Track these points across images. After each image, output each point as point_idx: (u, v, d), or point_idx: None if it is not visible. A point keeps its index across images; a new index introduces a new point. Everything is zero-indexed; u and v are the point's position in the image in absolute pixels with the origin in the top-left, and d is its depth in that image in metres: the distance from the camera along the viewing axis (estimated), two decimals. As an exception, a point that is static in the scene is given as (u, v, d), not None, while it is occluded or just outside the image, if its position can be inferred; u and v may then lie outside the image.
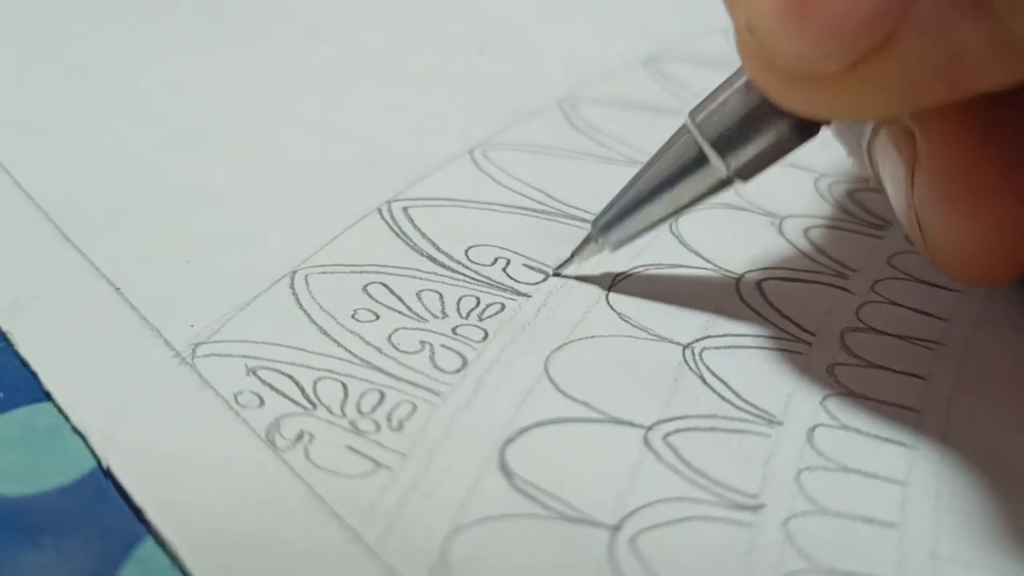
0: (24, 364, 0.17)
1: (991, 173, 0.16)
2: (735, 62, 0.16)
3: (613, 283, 0.19)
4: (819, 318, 0.19)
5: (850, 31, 0.14)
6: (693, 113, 0.17)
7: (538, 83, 0.26)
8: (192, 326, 0.17)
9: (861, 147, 0.19)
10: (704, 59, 0.28)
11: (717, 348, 0.18)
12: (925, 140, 0.16)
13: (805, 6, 0.14)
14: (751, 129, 0.17)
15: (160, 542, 0.14)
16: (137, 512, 0.14)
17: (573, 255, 0.19)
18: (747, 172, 0.17)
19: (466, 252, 0.20)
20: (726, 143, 0.17)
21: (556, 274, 0.19)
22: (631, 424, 0.16)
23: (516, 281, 0.19)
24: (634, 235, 0.19)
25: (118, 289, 0.18)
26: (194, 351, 0.17)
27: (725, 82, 0.17)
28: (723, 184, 0.18)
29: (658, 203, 0.18)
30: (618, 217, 0.18)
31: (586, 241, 0.19)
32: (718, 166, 0.17)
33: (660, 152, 0.18)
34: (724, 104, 0.17)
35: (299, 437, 0.16)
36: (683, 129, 0.18)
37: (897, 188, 0.17)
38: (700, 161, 0.17)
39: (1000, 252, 0.17)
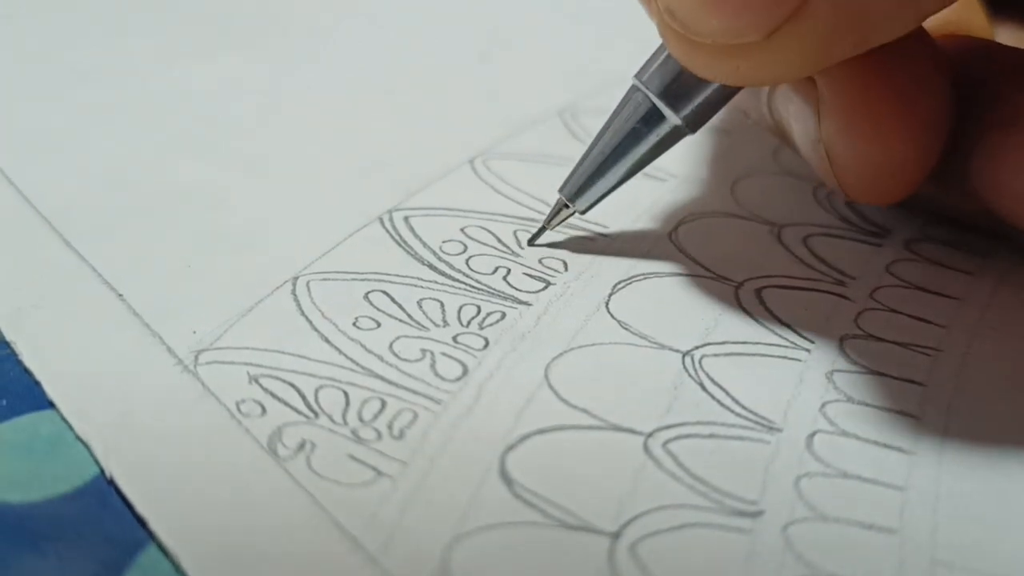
0: (27, 371, 0.17)
1: (885, 104, 0.18)
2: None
3: (613, 291, 0.19)
4: (818, 325, 0.19)
5: (766, 2, 0.15)
6: (638, 74, 0.19)
7: (539, 93, 0.27)
8: (194, 332, 0.18)
9: (760, 103, 0.21)
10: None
11: (716, 355, 0.18)
12: (827, 84, 0.18)
13: None
14: (692, 81, 0.18)
15: (162, 550, 0.14)
16: (139, 519, 0.14)
17: (546, 224, 0.20)
18: (696, 120, 0.19)
19: (467, 261, 0.20)
20: (673, 95, 0.19)
21: (531, 244, 0.20)
22: (631, 431, 0.16)
23: (516, 290, 0.19)
24: (600, 197, 0.20)
25: (120, 295, 0.18)
26: (196, 358, 0.17)
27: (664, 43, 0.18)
28: (676, 135, 0.19)
29: (619, 163, 0.19)
30: (584, 181, 0.20)
31: (556, 210, 0.20)
32: (669, 116, 0.19)
33: (613, 115, 0.19)
34: (665, 62, 0.18)
35: (301, 446, 0.16)
36: (631, 90, 0.19)
37: (805, 127, 0.19)
38: (651, 117, 0.19)
39: (897, 171, 0.19)
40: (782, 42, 0.16)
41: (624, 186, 0.20)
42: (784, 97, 0.20)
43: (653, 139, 0.19)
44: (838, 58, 0.17)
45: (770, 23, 0.15)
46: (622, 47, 0.29)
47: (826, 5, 0.15)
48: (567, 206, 0.20)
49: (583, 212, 0.20)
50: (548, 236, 0.21)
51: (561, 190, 0.20)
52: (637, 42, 0.30)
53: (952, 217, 0.22)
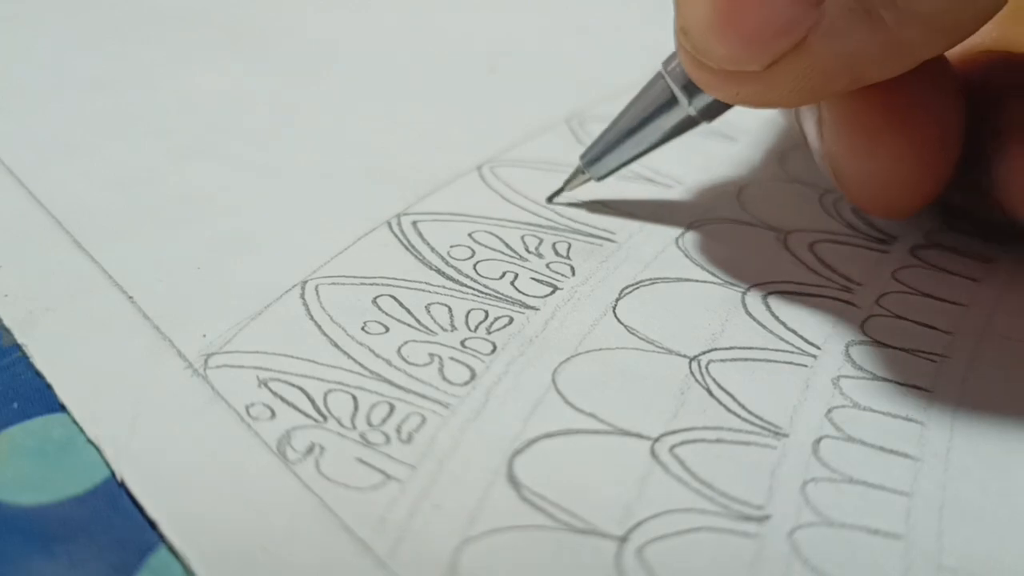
0: (39, 374, 0.17)
1: (878, 122, 0.19)
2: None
3: (620, 296, 0.19)
4: (824, 331, 0.19)
5: (767, 39, 0.17)
6: (666, 63, 0.20)
7: (546, 100, 0.27)
8: (204, 336, 0.18)
9: (790, 111, 0.23)
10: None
11: (723, 360, 0.18)
12: (825, 102, 0.20)
13: (729, 18, 0.17)
14: None
15: (173, 552, 0.14)
16: (150, 522, 0.15)
17: (564, 186, 0.22)
18: (711, 113, 0.20)
19: (475, 266, 0.20)
20: (693, 87, 0.20)
21: (550, 201, 0.22)
22: (638, 436, 0.16)
23: (524, 294, 0.19)
24: (616, 167, 0.22)
25: (131, 298, 0.18)
26: (206, 362, 0.17)
27: None
28: (691, 123, 0.21)
29: (636, 139, 0.21)
30: (602, 151, 0.21)
31: (575, 174, 0.22)
32: (685, 106, 0.20)
33: (639, 95, 0.21)
34: None
35: (310, 449, 0.16)
36: (658, 76, 0.21)
37: (814, 142, 0.20)
38: (671, 103, 0.20)
39: (900, 187, 0.20)
40: (779, 74, 0.17)
41: (629, 192, 0.20)
42: (801, 110, 0.21)
43: (669, 123, 0.21)
44: (833, 93, 0.18)
45: (769, 56, 0.17)
46: (628, 56, 0.30)
47: (821, 46, 0.17)
48: (584, 172, 0.22)
49: (598, 179, 0.22)
50: (566, 197, 0.22)
51: (582, 157, 0.22)
52: (643, 51, 0.30)
53: (985, 221, 0.22)
